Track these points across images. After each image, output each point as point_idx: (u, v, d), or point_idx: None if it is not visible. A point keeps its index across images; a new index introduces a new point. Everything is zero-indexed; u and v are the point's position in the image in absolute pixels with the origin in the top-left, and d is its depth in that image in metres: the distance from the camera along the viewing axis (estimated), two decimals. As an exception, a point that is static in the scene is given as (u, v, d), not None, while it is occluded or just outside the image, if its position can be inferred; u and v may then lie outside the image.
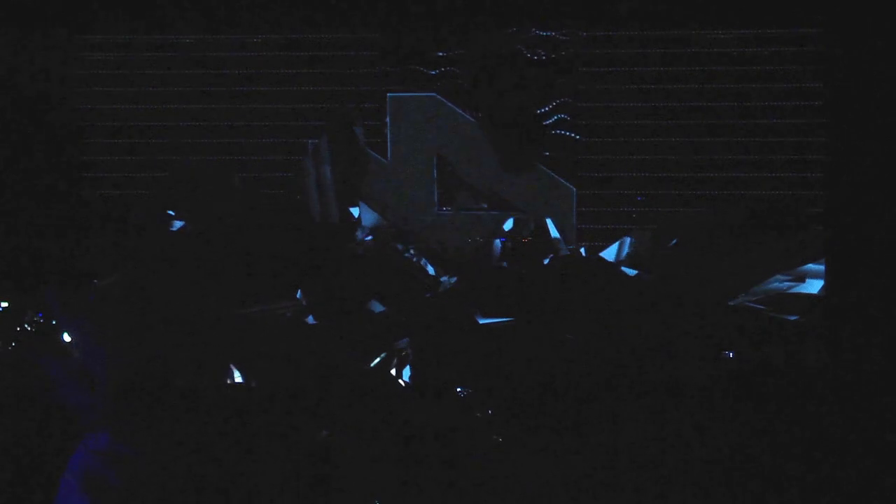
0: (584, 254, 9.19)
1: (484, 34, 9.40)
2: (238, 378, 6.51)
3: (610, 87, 9.34)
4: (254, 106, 9.50)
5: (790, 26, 9.05)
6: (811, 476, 5.53)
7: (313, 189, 9.28)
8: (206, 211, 8.56)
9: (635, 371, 6.65)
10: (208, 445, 4.59)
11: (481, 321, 7.50)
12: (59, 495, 3.94)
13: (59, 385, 5.45)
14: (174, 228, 8.44)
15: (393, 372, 7.21)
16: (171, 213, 8.52)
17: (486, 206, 9.48)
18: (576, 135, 9.36)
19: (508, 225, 9.29)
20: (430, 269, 9.29)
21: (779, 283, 8.21)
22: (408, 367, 7.15)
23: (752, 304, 7.98)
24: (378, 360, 7.21)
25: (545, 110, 9.41)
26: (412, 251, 9.36)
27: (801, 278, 8.22)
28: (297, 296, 7.80)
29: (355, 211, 9.40)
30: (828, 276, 7.96)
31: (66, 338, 6.42)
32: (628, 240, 8.88)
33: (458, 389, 6.55)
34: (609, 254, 8.92)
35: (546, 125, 9.40)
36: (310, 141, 9.39)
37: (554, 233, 9.09)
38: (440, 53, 9.47)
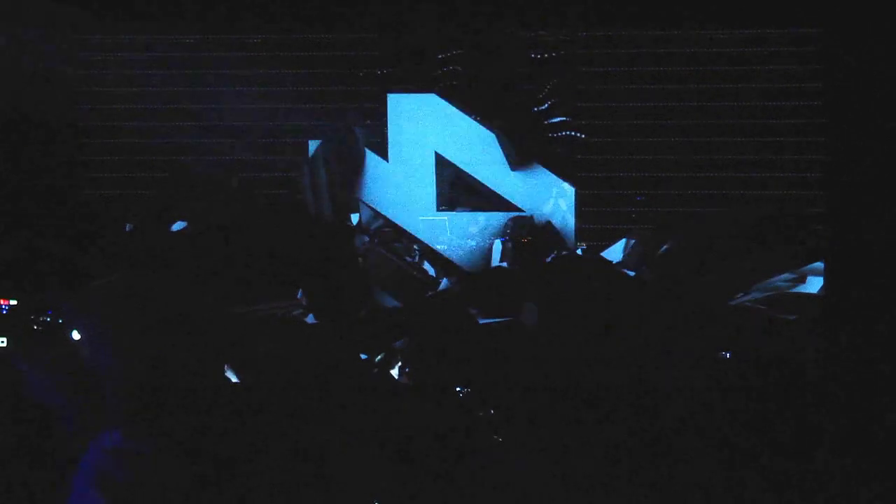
0: (583, 254, 9.21)
1: (484, 34, 9.41)
2: (237, 378, 6.51)
3: (610, 87, 9.34)
4: (254, 106, 9.50)
5: (790, 26, 9.06)
6: (810, 475, 5.53)
7: (314, 189, 9.28)
8: (206, 211, 8.56)
9: (635, 371, 6.65)
10: (208, 445, 4.60)
11: (481, 321, 7.51)
12: (72, 494, 3.95)
13: (36, 388, 5.47)
14: (174, 229, 8.45)
15: (393, 372, 7.22)
16: (171, 214, 8.53)
17: (486, 206, 9.48)
18: (579, 133, 9.36)
19: (508, 225, 9.29)
20: (430, 269, 9.30)
21: (779, 283, 8.21)
22: (408, 368, 7.15)
23: (752, 304, 7.98)
24: (378, 360, 7.22)
25: (544, 108, 9.41)
26: (412, 251, 9.37)
27: (801, 278, 8.23)
28: (298, 296, 7.81)
29: (355, 212, 9.42)
30: (827, 276, 7.97)
31: (75, 336, 6.43)
32: (629, 241, 8.88)
33: (458, 389, 6.55)
34: (610, 254, 8.92)
35: (547, 126, 9.40)
36: (310, 141, 9.39)
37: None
38: (440, 54, 9.48)
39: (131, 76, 9.54)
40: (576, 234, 9.35)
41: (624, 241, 8.93)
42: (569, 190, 9.36)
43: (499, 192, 9.38)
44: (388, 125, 9.42)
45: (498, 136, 9.29)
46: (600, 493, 5.47)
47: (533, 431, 5.93)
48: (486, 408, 6.27)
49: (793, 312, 7.75)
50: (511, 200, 9.37)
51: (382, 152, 9.45)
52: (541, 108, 9.43)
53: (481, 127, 9.37)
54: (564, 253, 9.10)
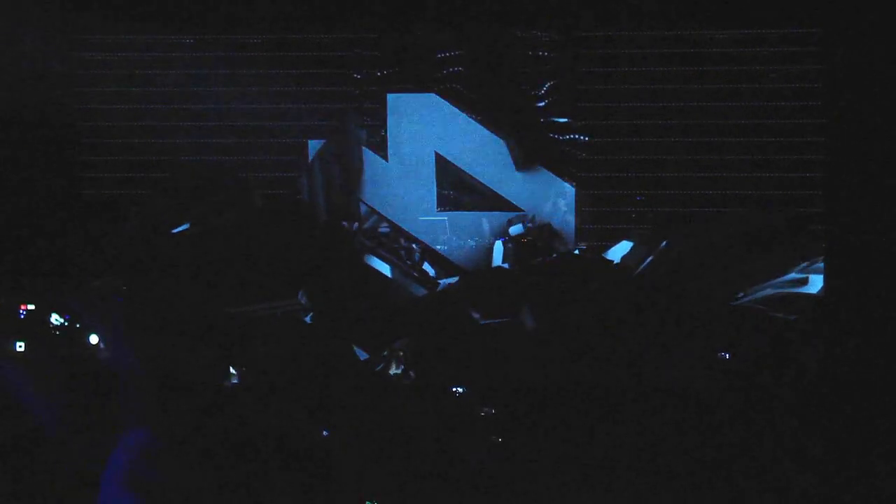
0: (582, 254, 9.21)
1: (484, 34, 9.40)
2: (238, 378, 6.51)
3: (610, 87, 9.34)
4: (254, 106, 9.49)
5: (790, 26, 9.05)
6: (810, 475, 5.53)
7: (314, 190, 9.28)
8: (207, 211, 8.56)
9: (635, 371, 6.65)
10: (208, 445, 4.60)
11: (481, 322, 7.51)
12: (102, 493, 3.98)
13: (13, 388, 5.49)
14: (177, 230, 8.45)
15: (393, 372, 7.22)
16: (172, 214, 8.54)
17: (486, 206, 9.48)
18: (582, 137, 9.36)
19: (509, 225, 9.29)
20: (430, 270, 9.30)
21: (779, 283, 8.21)
22: (408, 368, 7.16)
23: (752, 304, 7.98)
24: (379, 360, 7.22)
25: (546, 109, 9.40)
26: (412, 251, 9.37)
27: (801, 278, 8.22)
28: (299, 296, 7.81)
29: (355, 212, 9.41)
30: (827, 276, 7.97)
31: (93, 339, 6.45)
32: (629, 242, 8.88)
33: (458, 389, 6.56)
34: (610, 254, 8.92)
35: (549, 127, 9.39)
36: (310, 141, 9.39)
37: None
38: (440, 54, 9.47)
39: (131, 76, 9.53)
40: (576, 234, 9.35)
41: (624, 242, 8.93)
42: (569, 190, 9.36)
43: (499, 192, 9.38)
44: (388, 125, 9.42)
45: (507, 143, 9.29)
46: (600, 492, 5.47)
47: (532, 431, 5.94)
48: (485, 408, 6.28)
49: (793, 312, 7.75)
50: (511, 200, 9.37)
51: (382, 152, 9.45)
52: (542, 109, 9.42)
53: (481, 127, 9.37)
54: (564, 253, 9.10)
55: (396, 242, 9.40)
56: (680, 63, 9.23)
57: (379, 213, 9.44)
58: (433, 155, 9.38)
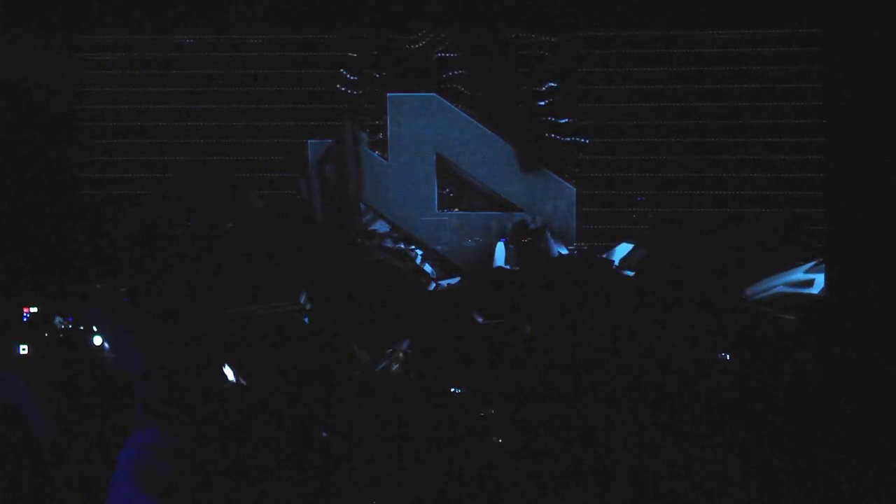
0: (583, 254, 9.21)
1: (485, 35, 9.40)
2: (238, 378, 6.51)
3: (610, 87, 9.34)
4: (254, 106, 9.50)
5: (790, 26, 9.05)
6: (809, 474, 5.53)
7: (315, 191, 9.29)
8: (208, 212, 8.57)
9: (635, 371, 6.65)
10: (208, 445, 4.61)
11: (481, 322, 7.51)
12: (111, 492, 3.98)
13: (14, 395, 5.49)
14: (176, 230, 8.45)
15: (394, 372, 7.22)
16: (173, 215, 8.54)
17: (486, 206, 9.48)
18: (583, 139, 9.36)
19: (509, 225, 9.30)
20: (430, 270, 9.30)
21: (779, 284, 8.21)
22: (409, 368, 7.15)
23: (752, 305, 7.99)
24: (379, 360, 7.22)
25: (547, 110, 9.41)
26: (412, 252, 9.37)
27: (808, 279, 8.23)
28: (301, 296, 7.81)
29: (356, 212, 9.41)
30: (827, 277, 7.98)
31: (97, 341, 6.45)
32: (629, 243, 8.88)
33: (458, 389, 6.56)
34: (611, 255, 8.92)
35: (551, 128, 9.40)
36: (310, 142, 9.39)
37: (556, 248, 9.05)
38: (440, 54, 9.48)
39: (131, 76, 9.53)
40: (576, 234, 9.35)
41: (623, 244, 8.93)
42: (569, 190, 9.36)
43: (499, 192, 9.38)
44: (389, 125, 9.42)
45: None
46: (600, 492, 5.47)
47: (532, 431, 5.93)
48: (485, 408, 6.27)
49: (793, 312, 7.75)
50: (511, 200, 9.37)
51: (383, 152, 9.45)
52: (543, 109, 9.42)
53: (482, 127, 9.36)
54: (564, 253, 9.10)
55: (397, 243, 9.40)
56: (680, 63, 9.23)
57: (379, 214, 9.44)
58: (433, 155, 9.38)
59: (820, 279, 8.18)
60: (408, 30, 9.45)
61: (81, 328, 6.57)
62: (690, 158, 9.23)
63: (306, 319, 7.67)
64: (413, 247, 9.39)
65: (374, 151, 9.46)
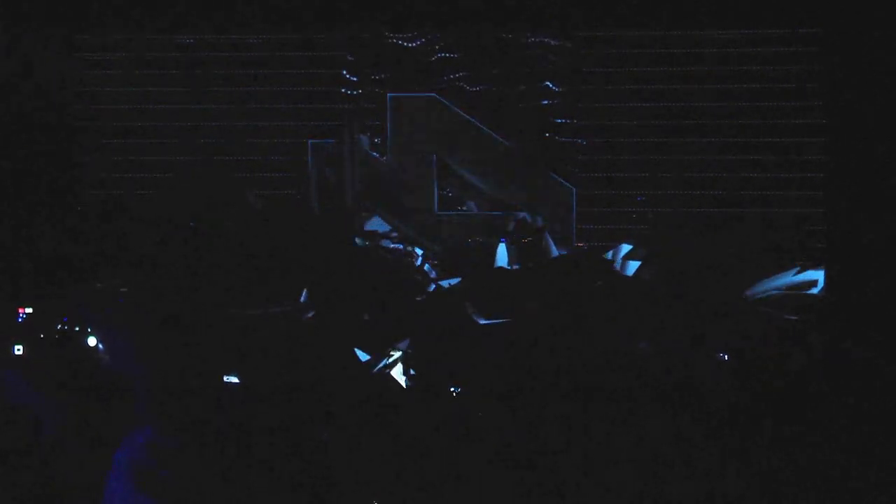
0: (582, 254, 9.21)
1: (485, 36, 9.40)
2: (239, 379, 6.51)
3: (610, 87, 9.34)
4: (254, 106, 9.49)
5: (790, 26, 9.05)
6: (809, 474, 5.53)
7: (316, 191, 9.28)
8: (210, 212, 8.56)
9: (635, 371, 6.65)
10: (208, 445, 4.61)
11: (481, 321, 7.51)
12: (107, 490, 3.99)
13: (13, 390, 5.49)
14: (178, 230, 8.44)
15: (393, 372, 7.22)
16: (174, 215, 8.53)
17: (486, 206, 9.48)
18: (582, 140, 9.36)
19: (509, 225, 9.29)
20: (430, 270, 9.29)
21: (779, 284, 8.21)
22: (410, 368, 7.16)
23: (752, 305, 7.98)
24: (379, 360, 7.22)
25: (544, 106, 9.40)
26: (412, 252, 9.37)
27: (802, 279, 8.23)
28: (302, 297, 7.80)
29: (356, 213, 9.41)
30: (827, 277, 7.98)
31: (91, 342, 6.44)
32: (628, 246, 8.87)
33: (457, 389, 6.56)
34: (611, 255, 8.92)
35: (551, 129, 9.40)
36: (310, 142, 9.38)
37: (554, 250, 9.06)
38: (440, 54, 9.47)
39: (131, 76, 9.53)
40: (576, 235, 9.34)
41: (623, 245, 8.92)
42: (569, 190, 9.36)
43: (499, 192, 9.38)
44: (389, 126, 9.41)
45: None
46: (599, 491, 5.47)
47: (532, 431, 5.93)
48: (485, 408, 6.27)
49: (793, 312, 7.75)
50: (511, 201, 9.36)
51: (382, 152, 9.45)
52: (543, 110, 9.42)
53: (482, 127, 9.36)
54: (565, 253, 9.10)
55: (397, 243, 9.39)
56: (680, 63, 9.23)
57: (379, 214, 9.44)
58: (433, 155, 9.37)
59: (820, 279, 8.18)
60: (408, 30, 9.45)
61: (77, 329, 6.57)
62: (690, 158, 9.23)
63: (312, 319, 7.66)
64: (413, 247, 9.39)
65: (374, 152, 9.46)
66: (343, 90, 9.51)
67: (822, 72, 8.82)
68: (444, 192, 9.51)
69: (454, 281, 8.91)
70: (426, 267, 9.28)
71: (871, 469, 5.49)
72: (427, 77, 9.48)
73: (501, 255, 9.12)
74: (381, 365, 7.14)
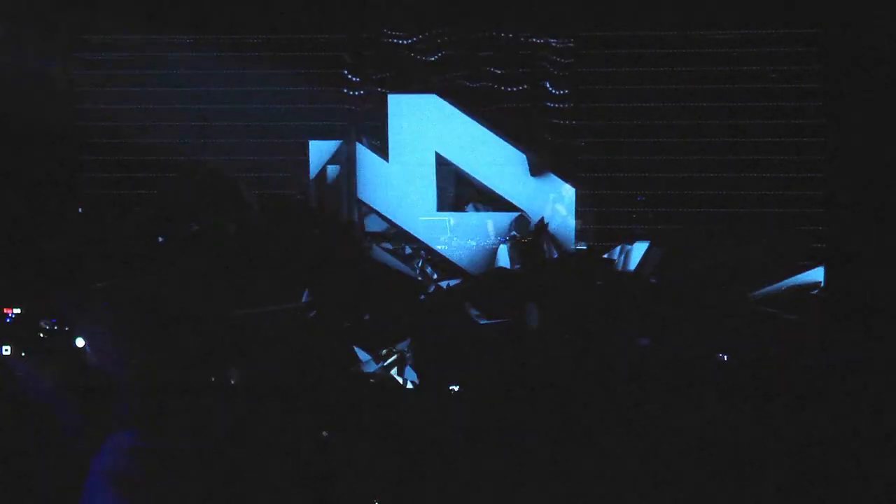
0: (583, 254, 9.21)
1: (485, 35, 9.41)
2: (241, 378, 6.51)
3: (609, 87, 9.34)
4: (254, 106, 9.49)
5: (790, 26, 9.05)
6: (809, 473, 5.54)
7: (317, 191, 9.29)
8: (210, 212, 8.56)
9: (635, 371, 6.65)
10: (209, 445, 4.60)
11: (481, 321, 7.51)
12: (85, 493, 3.95)
13: (35, 391, 5.48)
14: (176, 231, 8.44)
15: (393, 372, 7.22)
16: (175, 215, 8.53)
17: (486, 206, 9.48)
18: (581, 139, 9.37)
19: (509, 226, 9.29)
20: (430, 270, 9.29)
21: (779, 284, 8.21)
22: (408, 368, 7.16)
23: (752, 304, 7.99)
24: (379, 360, 7.22)
25: (544, 104, 9.41)
26: (414, 252, 9.37)
27: (802, 279, 8.23)
28: (304, 297, 7.80)
29: (357, 213, 9.41)
30: (828, 276, 7.98)
31: (79, 343, 6.43)
32: (630, 245, 8.88)
33: (457, 388, 6.56)
34: (611, 255, 8.92)
35: (549, 128, 9.40)
36: (310, 141, 9.38)
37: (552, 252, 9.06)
38: (439, 54, 9.47)
39: (131, 76, 9.53)
40: (576, 235, 9.34)
41: (625, 245, 8.92)
42: (569, 190, 9.36)
43: (499, 192, 9.37)
44: (389, 125, 9.41)
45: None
46: (600, 491, 5.47)
47: (532, 431, 5.94)
48: (484, 407, 6.28)
49: (793, 312, 7.76)
50: (511, 201, 9.36)
51: (383, 153, 9.45)
52: (542, 110, 9.42)
53: (482, 127, 9.36)
54: (565, 253, 9.10)
55: (397, 243, 9.40)
56: (680, 63, 9.23)
57: (380, 214, 9.44)
58: (434, 155, 9.37)
59: (820, 279, 8.18)
60: (408, 30, 9.45)
61: (66, 329, 6.56)
62: (690, 158, 9.23)
63: (312, 319, 7.66)
64: (413, 247, 9.39)
65: (375, 152, 9.45)
66: (344, 90, 9.51)
67: (821, 72, 8.82)
68: (444, 192, 9.51)
69: (454, 281, 8.93)
70: (427, 267, 9.29)
71: (871, 469, 5.49)
72: (427, 77, 9.48)
73: (502, 256, 9.12)
74: (381, 365, 7.15)
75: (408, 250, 9.37)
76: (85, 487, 3.96)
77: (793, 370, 6.66)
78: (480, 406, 6.22)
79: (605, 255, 8.88)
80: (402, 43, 9.49)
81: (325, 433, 5.54)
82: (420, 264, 9.29)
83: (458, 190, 9.56)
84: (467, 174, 9.42)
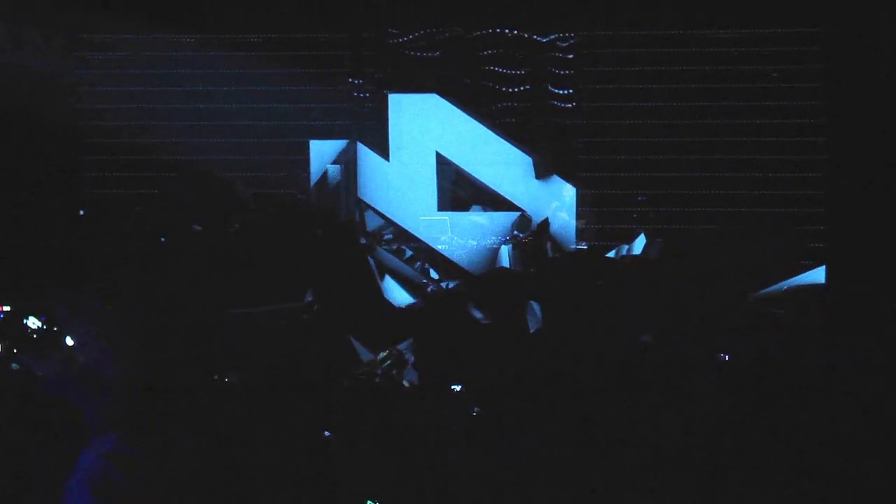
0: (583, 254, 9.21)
1: (485, 35, 9.41)
2: (239, 378, 6.51)
3: (610, 87, 9.34)
4: (254, 106, 9.50)
5: (790, 26, 9.05)
6: (809, 473, 5.53)
7: (318, 191, 9.29)
8: (211, 212, 8.57)
9: (635, 370, 6.64)
10: (209, 445, 4.60)
11: (483, 321, 7.51)
12: (65, 498, 3.92)
13: (60, 386, 5.46)
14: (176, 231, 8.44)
15: (394, 372, 7.21)
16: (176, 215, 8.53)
17: (487, 206, 9.48)
18: (581, 139, 9.38)
19: (510, 225, 9.29)
20: (432, 270, 9.29)
21: (779, 284, 8.22)
22: (409, 368, 7.15)
23: (752, 304, 7.99)
24: (379, 360, 7.22)
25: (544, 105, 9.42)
26: (415, 252, 9.38)
27: (802, 280, 8.24)
28: (307, 296, 7.80)
29: (357, 213, 9.42)
30: (828, 276, 7.98)
31: (69, 342, 6.42)
32: (630, 244, 8.88)
33: (457, 388, 6.56)
34: (612, 254, 8.92)
35: (549, 127, 9.41)
36: (311, 141, 9.38)
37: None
38: (440, 53, 9.48)
39: (131, 76, 9.54)
40: (576, 234, 9.35)
41: (624, 245, 8.93)
42: (570, 190, 9.36)
43: (500, 192, 9.38)
44: (389, 125, 9.41)
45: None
46: (600, 491, 5.47)
47: (532, 431, 5.93)
48: (484, 407, 6.27)
49: (793, 312, 7.75)
50: (512, 200, 9.36)
51: (383, 152, 9.45)
52: (543, 111, 9.43)
53: (482, 127, 9.36)
54: (565, 253, 9.10)
55: (398, 244, 9.40)
56: (680, 63, 9.23)
57: (380, 214, 9.44)
58: (434, 155, 9.37)
59: (821, 279, 8.18)
60: (408, 29, 9.45)
61: (56, 329, 6.54)
62: (690, 158, 9.23)
63: (312, 319, 7.66)
64: (414, 246, 9.40)
65: (375, 151, 9.46)
66: (343, 90, 9.51)
67: (822, 71, 8.82)
68: (445, 192, 9.51)
69: (454, 281, 8.93)
70: (426, 266, 9.29)
71: (872, 469, 5.49)
72: (427, 77, 9.48)
73: (503, 256, 9.12)
74: (381, 365, 7.14)
75: (408, 253, 9.38)
76: (65, 492, 3.93)
77: (793, 370, 6.65)
78: (480, 406, 6.21)
79: (606, 255, 8.89)
80: (403, 41, 9.50)
81: (325, 433, 5.54)
82: (420, 263, 9.29)
83: (458, 190, 9.56)
84: (468, 174, 9.42)
